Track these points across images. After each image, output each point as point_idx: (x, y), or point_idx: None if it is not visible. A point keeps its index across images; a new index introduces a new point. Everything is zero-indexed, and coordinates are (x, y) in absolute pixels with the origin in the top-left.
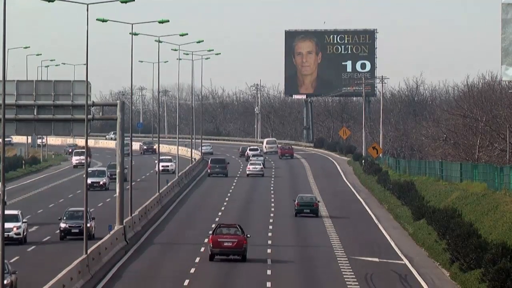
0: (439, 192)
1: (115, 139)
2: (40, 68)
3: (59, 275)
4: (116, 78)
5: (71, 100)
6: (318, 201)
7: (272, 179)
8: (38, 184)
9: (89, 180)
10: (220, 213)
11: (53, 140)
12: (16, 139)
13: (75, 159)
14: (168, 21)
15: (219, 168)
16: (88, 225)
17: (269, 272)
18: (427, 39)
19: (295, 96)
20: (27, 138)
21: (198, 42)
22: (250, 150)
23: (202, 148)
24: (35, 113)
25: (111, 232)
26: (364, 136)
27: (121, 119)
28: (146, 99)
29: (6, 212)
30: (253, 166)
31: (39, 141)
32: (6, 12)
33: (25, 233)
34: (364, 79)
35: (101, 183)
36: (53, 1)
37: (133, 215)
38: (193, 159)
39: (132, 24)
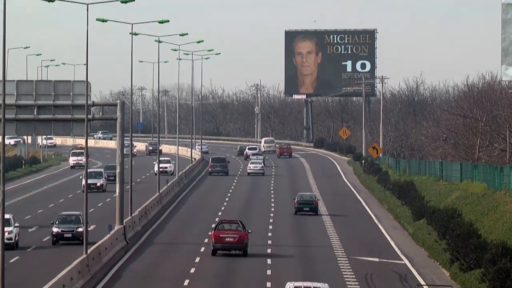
0: (439, 192)
1: (103, 138)
2: (40, 68)
3: (59, 275)
4: (116, 78)
5: (71, 100)
6: (318, 199)
7: (272, 178)
8: (38, 184)
9: None
10: (220, 213)
11: (63, 141)
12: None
13: (72, 160)
14: (168, 21)
15: (220, 167)
16: (81, 229)
17: (269, 272)
18: (427, 39)
19: (295, 96)
20: (27, 138)
21: (198, 42)
22: (249, 149)
23: (198, 147)
24: (35, 113)
25: (111, 232)
26: (364, 136)
27: (121, 119)
28: (146, 99)
29: None
30: (254, 165)
31: (47, 141)
32: (6, 12)
33: (17, 238)
34: (364, 79)
35: (98, 184)
36: (53, 1)
37: (133, 215)
38: (193, 159)
39: (132, 24)
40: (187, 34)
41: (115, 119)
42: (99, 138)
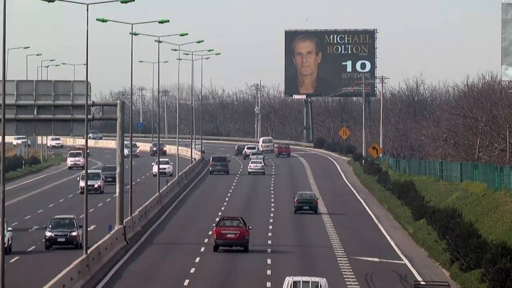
0: (439, 192)
1: (93, 138)
2: (40, 68)
3: (59, 275)
4: (116, 78)
5: (71, 100)
6: (317, 198)
7: (272, 177)
8: (38, 184)
9: (84, 183)
10: (220, 213)
11: (63, 141)
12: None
13: (70, 160)
14: (168, 21)
15: (221, 166)
16: (75, 233)
17: (269, 272)
18: (427, 39)
19: (295, 96)
20: (33, 139)
21: (198, 42)
22: (248, 148)
23: (196, 146)
24: (35, 113)
25: (111, 232)
26: (364, 136)
27: (121, 119)
28: (146, 99)
29: None
30: (255, 165)
31: (54, 142)
32: (6, 12)
33: (10, 242)
34: (364, 79)
35: (95, 186)
36: (53, 1)
37: (133, 215)
38: (193, 159)
39: (132, 24)
40: (187, 34)
41: (115, 119)
42: (89, 138)
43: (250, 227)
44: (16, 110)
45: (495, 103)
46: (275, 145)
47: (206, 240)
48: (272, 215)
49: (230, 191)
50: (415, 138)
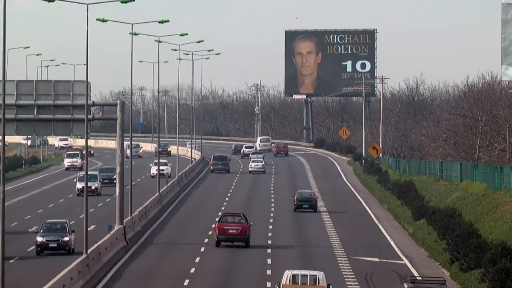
0: (439, 192)
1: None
2: (40, 68)
3: (59, 275)
4: (116, 78)
5: (71, 100)
6: (317, 197)
7: (272, 176)
8: (38, 184)
9: (80, 185)
10: (220, 213)
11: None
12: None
13: (67, 161)
14: (168, 21)
15: (221, 165)
16: (67, 239)
17: (269, 272)
18: (427, 39)
19: (295, 96)
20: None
21: (198, 42)
22: (246, 148)
23: (188, 146)
24: (35, 113)
25: (111, 232)
26: (364, 136)
27: (121, 119)
28: (146, 99)
29: None
30: (255, 164)
31: (62, 143)
32: (6, 12)
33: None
34: (364, 79)
35: (92, 187)
36: (53, 1)
37: (133, 215)
38: (193, 159)
39: (132, 24)
40: (187, 34)
41: (115, 119)
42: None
43: (251, 223)
44: (16, 110)
45: (495, 103)
46: (273, 144)
47: (206, 240)
48: (272, 214)
49: (230, 190)
50: (415, 138)
